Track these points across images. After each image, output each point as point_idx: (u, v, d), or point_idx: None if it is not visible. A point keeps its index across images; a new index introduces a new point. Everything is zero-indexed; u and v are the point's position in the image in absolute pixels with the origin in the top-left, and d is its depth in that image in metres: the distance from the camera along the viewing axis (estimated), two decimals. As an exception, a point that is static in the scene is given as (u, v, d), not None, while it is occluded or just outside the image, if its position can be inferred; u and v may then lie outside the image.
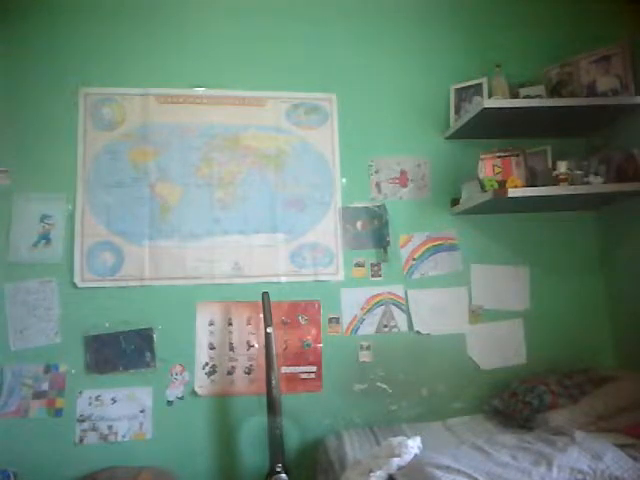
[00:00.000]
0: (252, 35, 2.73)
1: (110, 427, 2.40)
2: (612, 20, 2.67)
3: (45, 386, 2.38)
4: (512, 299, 2.74)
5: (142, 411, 2.44)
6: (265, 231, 2.60)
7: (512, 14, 2.88)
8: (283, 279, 2.60)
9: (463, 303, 2.71)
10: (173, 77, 2.66)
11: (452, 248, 2.74)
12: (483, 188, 2.52)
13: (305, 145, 2.69)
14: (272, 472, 2.27)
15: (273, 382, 2.32)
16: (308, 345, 2.59)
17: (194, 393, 2.48)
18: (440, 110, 2.82)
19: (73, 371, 2.41)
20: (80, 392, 2.41)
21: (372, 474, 1.94)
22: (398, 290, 2.67)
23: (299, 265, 2.62)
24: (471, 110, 2.55)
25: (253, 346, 2.54)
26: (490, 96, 2.66)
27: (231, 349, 2.54)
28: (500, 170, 2.61)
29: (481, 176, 2.58)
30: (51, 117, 2.55)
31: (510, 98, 2.59)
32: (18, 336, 2.40)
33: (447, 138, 2.79)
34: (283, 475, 2.27)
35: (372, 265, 2.67)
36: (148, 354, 2.47)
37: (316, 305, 2.60)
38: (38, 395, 2.38)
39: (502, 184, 2.44)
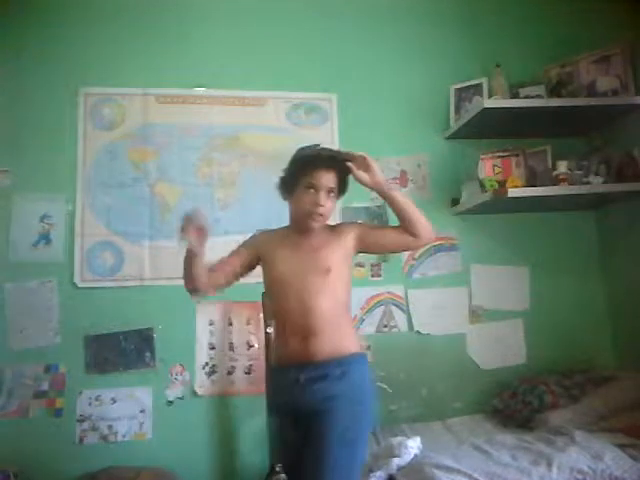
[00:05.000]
0: (252, 35, 2.74)
1: (110, 427, 2.40)
2: (612, 20, 2.67)
3: (45, 386, 2.38)
4: (512, 299, 2.74)
5: (142, 411, 2.44)
6: (265, 231, 2.60)
7: (512, 14, 2.88)
8: (283, 279, 2.60)
9: (463, 303, 2.71)
10: (173, 77, 2.65)
11: (452, 248, 2.74)
12: (483, 188, 2.52)
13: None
14: (272, 472, 2.27)
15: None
16: (308, 345, 2.58)
17: (194, 393, 2.48)
18: (440, 110, 2.82)
19: (73, 371, 2.41)
20: (80, 392, 2.40)
21: (372, 474, 1.94)
22: (398, 290, 2.67)
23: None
24: (471, 110, 2.55)
25: (253, 346, 2.54)
26: (490, 96, 2.66)
27: (231, 349, 2.54)
28: (500, 170, 2.61)
29: (481, 176, 2.58)
30: (51, 117, 2.55)
31: (510, 98, 2.59)
32: (18, 336, 2.40)
33: (447, 138, 2.79)
34: (283, 475, 2.26)
35: (372, 265, 2.67)
36: (148, 354, 2.47)
37: (316, 305, 2.60)
38: (38, 395, 2.37)
39: (502, 184, 2.45)
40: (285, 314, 1.70)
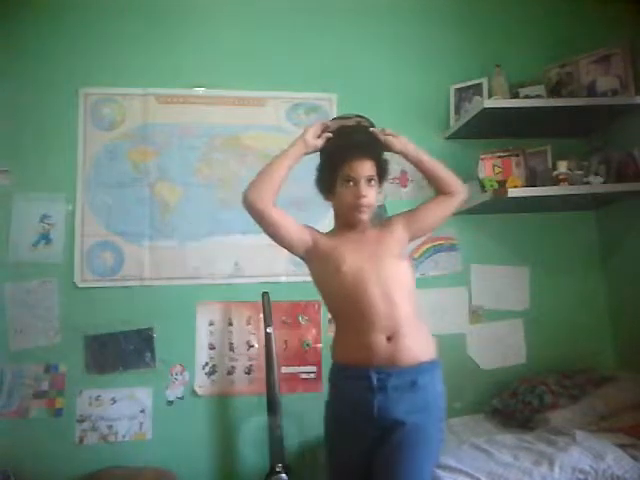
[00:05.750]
0: (252, 35, 2.73)
1: (110, 427, 2.40)
2: (612, 20, 2.67)
3: (45, 386, 2.38)
4: (512, 299, 2.74)
5: (142, 411, 2.43)
6: (265, 231, 2.60)
7: (512, 14, 2.88)
8: (283, 279, 2.60)
9: (463, 303, 2.71)
10: (173, 77, 2.65)
11: (452, 248, 2.74)
12: (483, 188, 2.52)
13: (305, 145, 2.69)
14: (272, 472, 2.28)
15: (273, 382, 2.32)
16: (308, 345, 2.59)
17: (194, 393, 2.48)
18: (440, 110, 2.82)
19: (73, 371, 2.41)
20: (80, 392, 2.40)
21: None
22: (398, 290, 2.67)
23: (299, 265, 2.61)
24: (471, 110, 2.55)
25: (253, 346, 2.54)
26: (490, 96, 2.66)
27: (231, 349, 2.54)
28: (500, 170, 2.61)
29: (481, 176, 2.58)
30: (51, 117, 2.55)
31: (510, 98, 2.59)
32: (18, 336, 2.40)
33: (447, 138, 2.79)
34: (283, 475, 2.27)
35: (372, 265, 2.66)
36: (148, 354, 2.47)
37: (316, 305, 2.60)
38: (38, 395, 2.37)
39: (502, 184, 2.45)
40: (365, 309, 1.56)
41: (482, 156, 2.62)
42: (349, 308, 1.61)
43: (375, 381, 1.53)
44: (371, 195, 1.63)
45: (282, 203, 2.59)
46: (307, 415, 2.51)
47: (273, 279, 2.58)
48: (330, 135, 1.68)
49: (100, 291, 2.48)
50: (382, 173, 1.70)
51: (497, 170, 2.61)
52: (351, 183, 1.62)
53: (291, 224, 1.68)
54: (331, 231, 1.76)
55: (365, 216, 1.65)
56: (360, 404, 1.55)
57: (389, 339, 1.55)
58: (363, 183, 1.61)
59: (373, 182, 1.65)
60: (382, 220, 1.83)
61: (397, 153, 1.73)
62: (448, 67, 2.83)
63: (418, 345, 1.58)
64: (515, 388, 2.45)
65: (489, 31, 2.86)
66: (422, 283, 2.69)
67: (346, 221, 1.70)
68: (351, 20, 2.81)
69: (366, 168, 1.62)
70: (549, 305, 2.73)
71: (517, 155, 2.64)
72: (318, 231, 1.74)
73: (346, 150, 1.63)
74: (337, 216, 1.74)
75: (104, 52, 2.62)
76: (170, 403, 2.46)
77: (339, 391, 1.66)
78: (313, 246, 1.68)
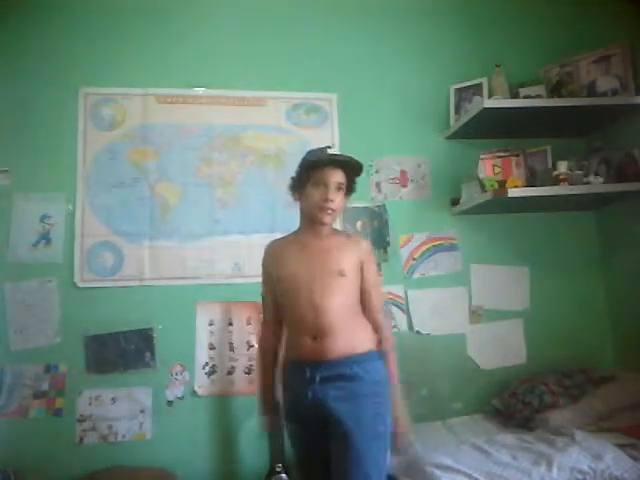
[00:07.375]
0: (252, 35, 2.74)
1: (110, 427, 2.40)
2: (612, 20, 2.67)
3: (45, 386, 2.38)
4: (512, 299, 2.74)
5: (142, 411, 2.43)
6: (265, 231, 2.59)
7: (512, 14, 2.88)
8: (283, 279, 2.60)
9: (463, 303, 2.71)
10: (173, 77, 2.66)
11: (452, 248, 2.74)
12: (483, 188, 2.52)
13: (305, 145, 2.68)
14: (272, 472, 2.28)
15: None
16: (308, 345, 2.58)
17: (194, 393, 2.48)
18: (440, 110, 2.82)
19: (73, 371, 2.41)
20: (80, 392, 2.40)
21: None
22: (398, 290, 2.67)
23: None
24: (471, 110, 2.55)
25: (253, 346, 2.54)
26: (490, 96, 2.66)
27: (231, 349, 2.54)
28: (500, 170, 2.61)
29: (481, 176, 2.58)
30: (51, 117, 2.55)
31: (510, 98, 2.59)
32: (18, 336, 2.40)
33: (447, 138, 2.79)
34: (283, 475, 2.27)
35: (372, 265, 2.67)
36: (148, 354, 2.47)
37: (316, 305, 2.60)
38: (38, 395, 2.37)
39: (502, 184, 2.45)
40: (296, 313, 1.73)
41: (482, 156, 2.62)
42: (286, 310, 1.79)
43: (308, 373, 1.68)
44: (338, 201, 1.74)
45: (281, 203, 2.62)
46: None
47: (273, 279, 2.58)
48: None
49: (100, 291, 2.48)
50: (350, 187, 1.79)
51: (497, 170, 2.61)
52: (322, 186, 1.72)
53: (272, 306, 1.85)
54: (292, 233, 1.85)
55: (329, 218, 1.75)
56: (300, 393, 1.71)
57: (314, 338, 1.69)
58: (333, 188, 1.72)
59: (341, 191, 1.75)
60: (354, 234, 1.92)
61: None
62: (448, 67, 2.83)
63: (345, 342, 1.69)
64: (515, 388, 2.45)
65: (489, 31, 2.86)
66: (422, 283, 2.70)
67: (310, 222, 1.78)
68: (351, 20, 2.81)
69: (337, 176, 1.73)
70: (549, 305, 2.73)
71: (517, 155, 2.65)
72: (269, 248, 1.87)
73: (323, 159, 1.74)
74: (302, 216, 1.82)
75: (104, 52, 2.62)
76: (170, 403, 2.46)
77: (287, 383, 1.83)
78: (275, 276, 1.80)
